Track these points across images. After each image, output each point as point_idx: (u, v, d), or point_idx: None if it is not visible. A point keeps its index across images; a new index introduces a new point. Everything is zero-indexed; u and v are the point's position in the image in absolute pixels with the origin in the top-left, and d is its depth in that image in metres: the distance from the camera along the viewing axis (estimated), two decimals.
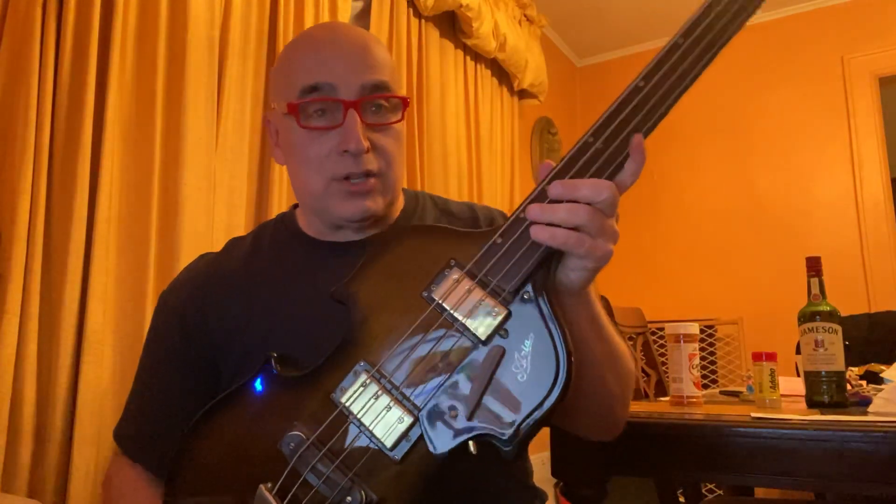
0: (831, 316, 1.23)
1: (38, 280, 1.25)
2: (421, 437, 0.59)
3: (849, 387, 1.28)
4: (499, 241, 0.62)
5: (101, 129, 1.37)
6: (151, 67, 1.48)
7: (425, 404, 0.60)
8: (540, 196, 0.62)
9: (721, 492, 2.48)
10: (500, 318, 0.60)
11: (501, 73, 3.03)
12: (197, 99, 1.54)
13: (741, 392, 1.52)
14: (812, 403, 1.22)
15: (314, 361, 0.65)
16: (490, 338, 0.60)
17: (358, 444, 0.61)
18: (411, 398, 0.60)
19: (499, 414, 0.58)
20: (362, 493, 0.59)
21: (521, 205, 0.63)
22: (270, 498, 0.60)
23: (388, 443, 0.60)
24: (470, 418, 0.58)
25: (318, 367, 0.65)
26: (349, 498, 0.59)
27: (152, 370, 0.84)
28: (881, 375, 1.32)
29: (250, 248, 0.87)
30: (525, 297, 0.60)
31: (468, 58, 2.81)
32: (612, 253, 0.61)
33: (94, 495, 1.27)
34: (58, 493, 1.25)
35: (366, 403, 0.61)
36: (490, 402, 0.58)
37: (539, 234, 0.60)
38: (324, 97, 0.76)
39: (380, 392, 0.61)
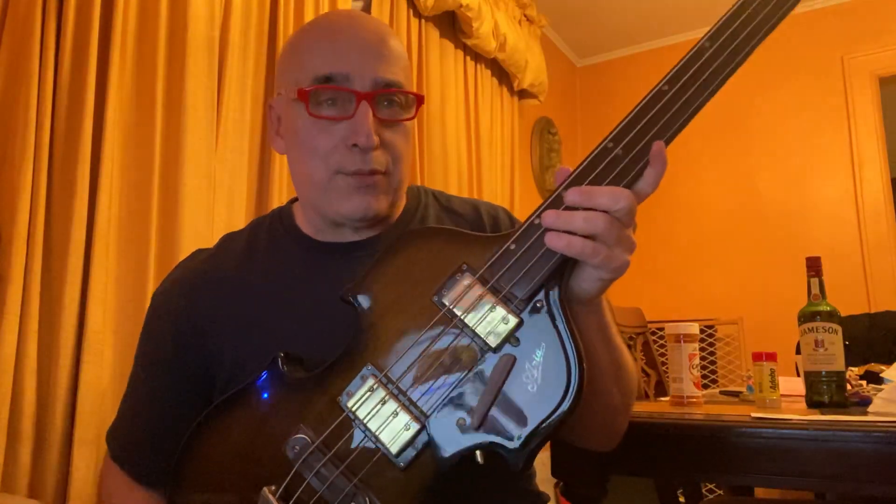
0: (831, 316, 1.23)
1: (38, 280, 1.24)
2: (427, 444, 0.58)
3: (849, 387, 1.28)
4: (512, 246, 0.61)
5: (101, 128, 1.36)
6: (151, 67, 1.47)
7: (432, 411, 0.59)
8: (555, 202, 0.60)
9: (721, 492, 2.48)
10: (511, 325, 0.59)
11: (501, 73, 3.03)
12: (197, 99, 1.54)
13: (741, 392, 1.52)
14: (812, 403, 1.22)
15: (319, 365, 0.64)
16: (501, 346, 0.59)
17: (363, 449, 0.60)
18: (419, 404, 0.59)
19: (507, 425, 0.56)
20: (366, 498, 0.58)
21: (536, 210, 0.61)
22: (274, 501, 0.60)
23: (394, 449, 0.59)
24: (478, 428, 0.57)
25: (325, 369, 0.64)
26: (353, 503, 0.59)
27: (143, 377, 0.82)
28: (881, 375, 1.32)
29: (245, 247, 0.84)
30: (538, 305, 0.59)
31: (468, 58, 2.80)
32: (628, 264, 0.60)
33: (93, 496, 1.26)
34: (58, 494, 1.24)
35: (372, 408, 0.60)
36: (498, 412, 0.57)
37: (554, 242, 0.58)
38: (337, 86, 0.73)
39: (387, 397, 0.60)
